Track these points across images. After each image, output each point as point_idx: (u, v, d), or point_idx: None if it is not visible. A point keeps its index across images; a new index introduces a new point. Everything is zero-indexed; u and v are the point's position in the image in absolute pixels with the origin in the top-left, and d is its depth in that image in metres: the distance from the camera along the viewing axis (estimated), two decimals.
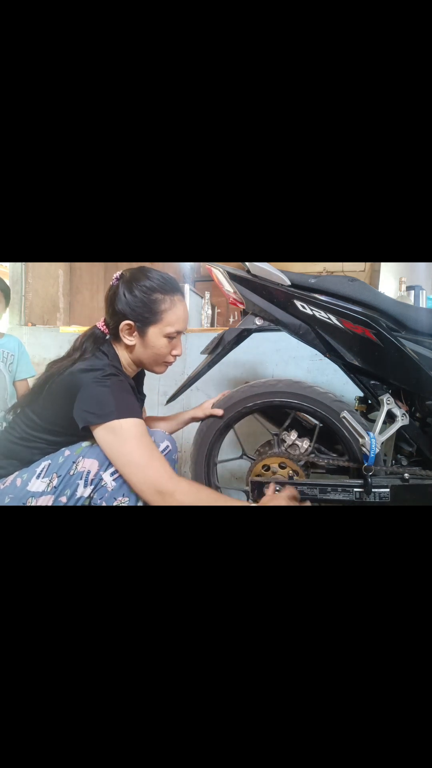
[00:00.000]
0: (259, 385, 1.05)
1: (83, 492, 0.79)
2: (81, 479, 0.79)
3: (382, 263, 2.64)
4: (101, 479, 0.79)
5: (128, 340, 0.85)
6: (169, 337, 0.86)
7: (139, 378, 1.00)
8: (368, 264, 4.35)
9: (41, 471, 0.81)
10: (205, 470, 1.09)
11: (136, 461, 0.76)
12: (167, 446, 0.97)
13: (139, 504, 0.79)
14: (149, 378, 1.12)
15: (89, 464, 0.79)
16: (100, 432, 0.77)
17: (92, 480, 0.79)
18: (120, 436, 0.76)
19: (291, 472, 1.03)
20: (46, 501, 0.80)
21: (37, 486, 0.81)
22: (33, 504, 0.80)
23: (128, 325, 0.84)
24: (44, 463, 0.82)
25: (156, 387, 1.71)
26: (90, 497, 0.80)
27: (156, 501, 0.75)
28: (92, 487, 0.79)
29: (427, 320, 0.97)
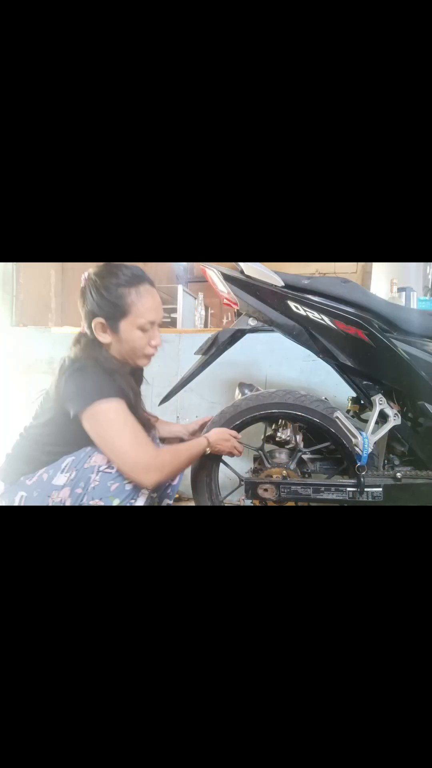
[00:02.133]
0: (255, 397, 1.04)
1: (95, 484, 0.82)
2: (93, 473, 0.82)
3: (374, 265, 2.67)
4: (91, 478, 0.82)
5: (102, 337, 0.85)
6: (142, 329, 0.84)
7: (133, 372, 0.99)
8: (360, 265, 4.39)
9: (66, 466, 0.84)
10: (206, 481, 1.09)
11: (121, 448, 0.78)
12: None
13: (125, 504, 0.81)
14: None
15: (100, 459, 0.82)
16: (85, 421, 0.79)
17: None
18: (100, 422, 0.78)
19: (285, 473, 1.03)
20: (66, 492, 0.82)
21: (60, 480, 0.83)
22: (55, 496, 0.83)
23: (100, 323, 0.84)
24: (68, 459, 0.84)
25: (150, 388, 1.71)
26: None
27: (146, 479, 0.79)
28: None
29: (418, 321, 0.98)
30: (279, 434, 1.06)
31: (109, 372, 0.83)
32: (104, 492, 0.80)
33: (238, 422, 1.03)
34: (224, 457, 1.12)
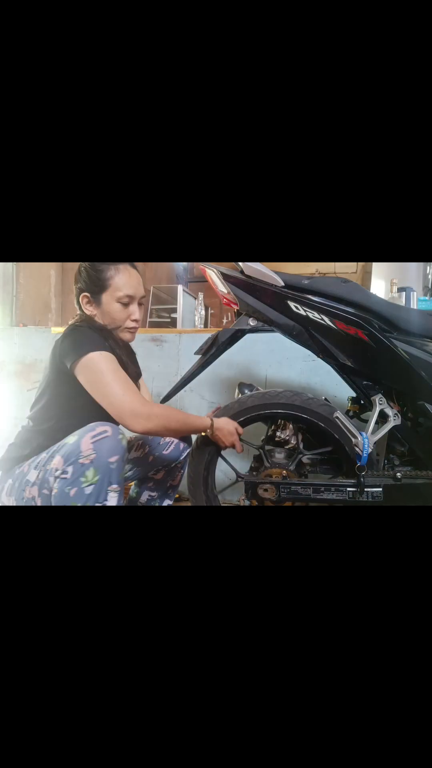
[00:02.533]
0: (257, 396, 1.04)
1: (55, 491, 0.82)
2: (51, 476, 0.82)
3: (374, 265, 2.67)
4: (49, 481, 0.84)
5: (88, 310, 0.95)
6: (121, 302, 0.93)
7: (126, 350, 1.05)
8: (360, 265, 4.39)
9: (39, 462, 0.87)
10: (204, 474, 1.08)
11: (114, 391, 0.85)
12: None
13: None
14: (143, 379, 1.12)
15: (57, 462, 0.82)
16: (79, 371, 0.86)
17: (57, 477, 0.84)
18: (95, 369, 0.85)
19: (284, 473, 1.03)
20: (35, 491, 0.86)
21: (32, 475, 0.87)
22: (28, 492, 0.86)
23: (85, 296, 0.94)
24: (42, 455, 0.88)
25: (150, 388, 1.71)
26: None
27: (134, 423, 0.85)
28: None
29: (418, 321, 0.98)
30: (278, 434, 1.06)
31: (100, 331, 0.91)
32: (65, 499, 0.79)
33: (242, 419, 1.03)
34: (224, 453, 1.12)
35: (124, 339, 0.98)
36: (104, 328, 0.94)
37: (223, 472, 1.55)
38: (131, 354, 1.07)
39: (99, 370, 0.85)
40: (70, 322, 0.96)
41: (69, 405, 0.91)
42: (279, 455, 1.06)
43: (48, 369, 0.93)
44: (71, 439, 0.82)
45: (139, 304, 0.97)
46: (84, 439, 0.80)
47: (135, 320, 0.96)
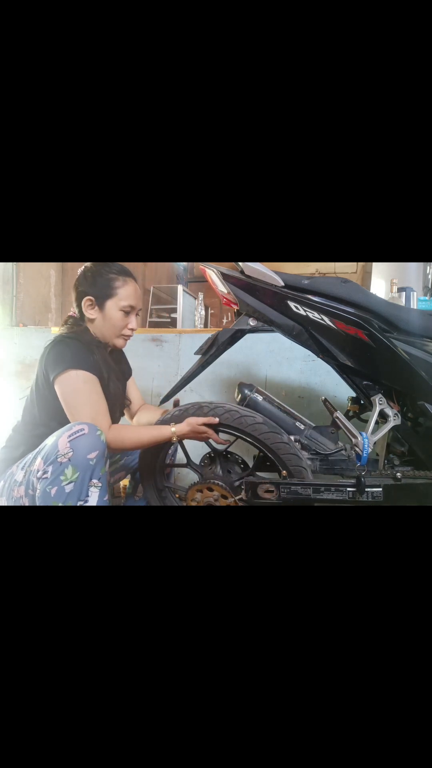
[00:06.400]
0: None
1: (38, 492, 0.83)
2: (34, 477, 0.84)
3: (374, 265, 2.67)
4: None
5: (90, 313, 0.98)
6: (124, 311, 0.98)
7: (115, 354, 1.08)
8: (360, 265, 4.40)
9: (25, 463, 0.90)
10: (155, 486, 1.09)
11: (83, 413, 0.87)
12: None
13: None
14: (143, 379, 1.12)
15: (38, 464, 0.84)
16: (57, 385, 0.89)
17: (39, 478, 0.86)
18: (72, 388, 0.88)
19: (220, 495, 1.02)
20: (22, 491, 0.88)
21: (18, 476, 0.89)
22: (16, 492, 0.89)
23: (89, 300, 0.97)
24: (29, 456, 0.90)
25: (150, 388, 1.71)
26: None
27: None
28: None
29: (418, 321, 0.98)
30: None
31: (87, 345, 0.94)
32: (46, 499, 0.81)
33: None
34: (186, 443, 1.09)
35: (117, 345, 1.02)
36: (94, 340, 0.97)
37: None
38: (118, 360, 1.10)
39: (75, 390, 0.88)
40: (60, 328, 1.00)
41: (56, 410, 0.92)
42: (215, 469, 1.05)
43: (37, 373, 0.95)
44: (50, 440, 0.84)
45: (136, 315, 1.03)
46: (61, 439, 0.82)
47: (131, 329, 1.02)
